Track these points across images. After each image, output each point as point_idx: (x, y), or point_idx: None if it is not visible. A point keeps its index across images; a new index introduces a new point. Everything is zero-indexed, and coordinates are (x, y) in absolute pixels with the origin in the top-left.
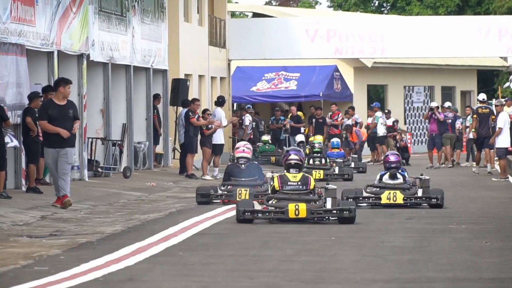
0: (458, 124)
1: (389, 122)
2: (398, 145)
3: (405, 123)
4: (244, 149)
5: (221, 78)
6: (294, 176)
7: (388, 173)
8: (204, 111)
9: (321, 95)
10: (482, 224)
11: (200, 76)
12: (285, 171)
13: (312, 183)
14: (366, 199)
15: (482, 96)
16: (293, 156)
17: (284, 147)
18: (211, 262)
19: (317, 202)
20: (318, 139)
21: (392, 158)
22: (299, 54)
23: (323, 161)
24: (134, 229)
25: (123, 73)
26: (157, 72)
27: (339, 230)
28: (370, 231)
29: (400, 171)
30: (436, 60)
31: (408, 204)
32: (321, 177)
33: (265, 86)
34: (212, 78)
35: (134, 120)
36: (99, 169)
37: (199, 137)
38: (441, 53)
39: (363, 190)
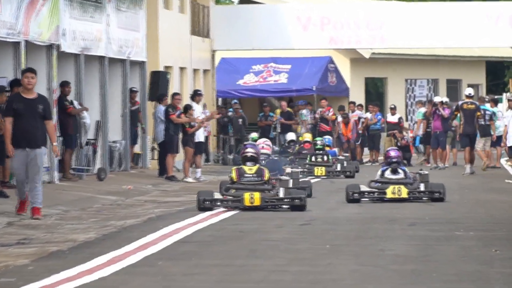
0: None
1: (394, 119)
2: (399, 144)
3: (406, 120)
4: (263, 145)
5: (205, 71)
6: (250, 169)
7: (390, 169)
8: (188, 108)
9: (314, 89)
10: (492, 231)
11: (182, 69)
12: (241, 164)
13: (267, 175)
14: (371, 194)
15: (469, 91)
16: (249, 150)
17: (273, 146)
18: (194, 272)
19: (271, 192)
20: (306, 137)
21: (392, 154)
22: (290, 44)
23: (325, 158)
24: (109, 236)
25: (97, 65)
26: (134, 64)
27: (334, 238)
28: (368, 238)
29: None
30: (441, 51)
31: (411, 198)
32: (323, 174)
33: (252, 79)
34: (195, 70)
35: (109, 117)
36: (71, 171)
37: (180, 135)
38: (446, 42)
39: (367, 186)
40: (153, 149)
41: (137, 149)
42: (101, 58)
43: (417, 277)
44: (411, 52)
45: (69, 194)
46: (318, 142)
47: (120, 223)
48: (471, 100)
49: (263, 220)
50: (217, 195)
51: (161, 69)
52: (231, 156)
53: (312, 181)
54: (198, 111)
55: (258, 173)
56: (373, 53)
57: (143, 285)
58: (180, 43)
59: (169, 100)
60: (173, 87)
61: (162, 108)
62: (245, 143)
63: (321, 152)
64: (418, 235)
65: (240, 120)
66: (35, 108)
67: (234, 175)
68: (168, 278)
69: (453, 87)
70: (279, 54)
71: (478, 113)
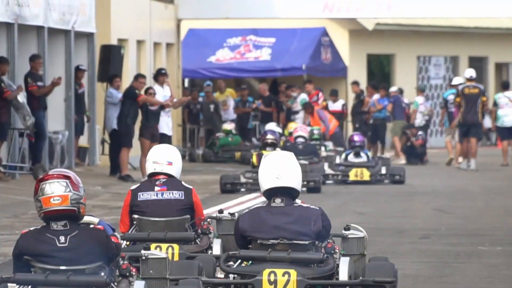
0: (426, 107)
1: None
2: (410, 143)
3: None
4: (301, 128)
5: (168, 45)
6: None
7: (353, 152)
8: (147, 89)
9: (304, 68)
10: None
11: (139, 42)
12: (261, 149)
13: None
14: (335, 177)
15: (470, 72)
16: (269, 136)
17: (253, 139)
18: None
19: None
20: (293, 127)
21: (356, 138)
22: (274, 12)
23: (323, 149)
24: None
25: (34, 37)
26: (80, 37)
27: None
28: (372, 254)
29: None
30: (462, 21)
31: (373, 181)
32: None
33: (227, 55)
34: (156, 44)
35: (49, 102)
36: (1, 169)
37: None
38: (468, 11)
39: (330, 169)
40: (103, 141)
41: (83, 141)
42: (39, 29)
43: None
44: (425, 23)
45: None
46: (315, 132)
47: None
48: (473, 84)
49: None
50: (243, 179)
51: (114, 42)
52: (200, 151)
53: None
54: (161, 95)
55: None
56: (378, 24)
57: None
58: (137, 10)
59: (123, 82)
60: (128, 65)
61: (113, 91)
62: (266, 129)
63: (318, 142)
64: (433, 250)
65: (212, 106)
66: None
67: (254, 159)
68: None
69: (477, 66)
70: (261, 25)
71: (484, 98)
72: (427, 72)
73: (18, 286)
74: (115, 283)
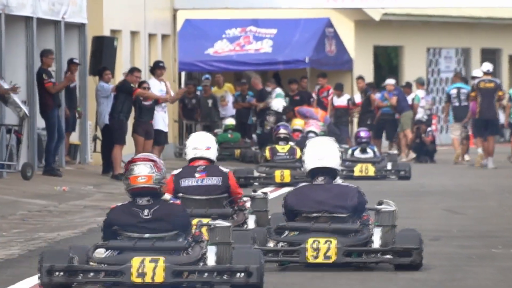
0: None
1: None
2: (421, 139)
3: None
4: (314, 123)
5: (164, 36)
6: (282, 148)
7: (359, 148)
8: (141, 83)
9: (307, 61)
10: None
11: (133, 33)
12: (274, 144)
13: (298, 153)
14: (340, 172)
15: (487, 66)
16: (282, 131)
17: (253, 136)
18: None
19: (301, 169)
20: (298, 124)
21: (362, 134)
22: (275, 1)
23: None
24: (37, 253)
25: (22, 28)
26: (71, 28)
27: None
28: None
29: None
30: (475, 12)
31: (378, 176)
32: None
33: (226, 47)
34: (151, 36)
35: (38, 97)
36: None
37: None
38: (481, 1)
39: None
40: (95, 138)
41: (74, 138)
42: (27, 19)
43: None
44: (435, 13)
45: None
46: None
47: (51, 235)
48: (489, 78)
49: None
50: (256, 173)
51: (106, 34)
52: None
53: None
54: (157, 89)
55: (290, 152)
56: (385, 14)
57: None
58: (131, 0)
59: (116, 75)
60: (122, 58)
61: (104, 84)
62: (278, 124)
63: None
64: (444, 252)
65: (210, 101)
66: None
67: (267, 154)
68: None
69: (490, 58)
70: (261, 15)
71: (500, 93)
72: (437, 65)
73: (105, 251)
74: (190, 248)
